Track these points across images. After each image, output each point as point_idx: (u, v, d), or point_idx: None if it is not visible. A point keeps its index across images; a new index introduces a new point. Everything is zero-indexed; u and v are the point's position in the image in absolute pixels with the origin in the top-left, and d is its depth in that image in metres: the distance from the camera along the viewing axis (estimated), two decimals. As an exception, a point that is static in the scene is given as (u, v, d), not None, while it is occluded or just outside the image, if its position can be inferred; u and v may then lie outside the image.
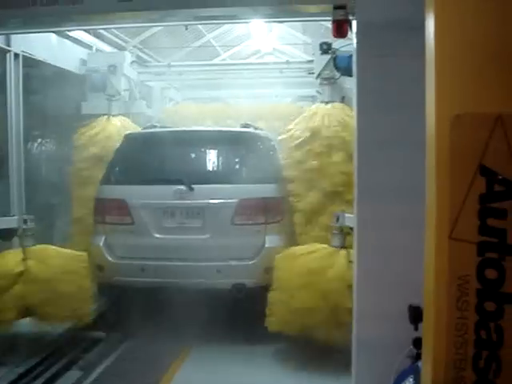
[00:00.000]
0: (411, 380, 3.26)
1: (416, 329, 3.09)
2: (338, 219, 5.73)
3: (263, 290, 5.90)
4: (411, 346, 3.27)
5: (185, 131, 7.60)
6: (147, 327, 6.19)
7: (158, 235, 6.59)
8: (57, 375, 5.54)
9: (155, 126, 7.91)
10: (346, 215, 5.54)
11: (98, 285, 6.70)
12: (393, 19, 4.15)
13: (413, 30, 3.90)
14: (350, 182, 6.58)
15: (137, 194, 6.70)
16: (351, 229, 5.25)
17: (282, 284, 5.82)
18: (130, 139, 7.34)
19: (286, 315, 5.66)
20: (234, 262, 6.39)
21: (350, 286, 4.86)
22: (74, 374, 5.60)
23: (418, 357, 3.24)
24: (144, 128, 7.96)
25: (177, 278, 6.24)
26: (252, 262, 6.42)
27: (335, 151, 6.86)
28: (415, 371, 3.21)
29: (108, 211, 6.81)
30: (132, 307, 6.20)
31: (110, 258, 6.68)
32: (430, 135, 2.00)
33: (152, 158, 6.96)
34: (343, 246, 5.72)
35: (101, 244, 6.73)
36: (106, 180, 6.99)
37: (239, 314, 6.16)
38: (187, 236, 6.54)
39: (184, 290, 6.07)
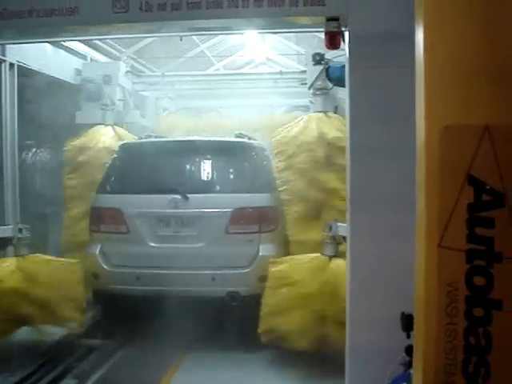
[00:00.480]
0: (404, 387, 3.29)
1: (408, 336, 3.13)
2: (330, 228, 5.77)
3: (257, 298, 5.93)
4: (404, 354, 3.30)
5: (180, 141, 7.64)
6: (142, 335, 6.20)
7: (153, 244, 6.62)
8: (53, 383, 5.54)
9: (150, 136, 7.95)
10: (339, 224, 5.58)
11: (93, 293, 6.74)
12: (384, 31, 4.22)
13: (404, 42, 3.96)
14: (335, 192, 6.75)
15: (132, 203, 6.73)
16: (344, 238, 5.30)
17: (275, 294, 5.87)
18: (125, 149, 7.40)
19: (278, 321, 5.71)
20: (228, 271, 6.43)
21: (342, 294, 4.90)
22: (68, 382, 5.59)
23: (410, 364, 3.26)
24: (139, 138, 7.99)
25: (172, 286, 6.27)
26: (246, 270, 6.46)
27: (320, 162, 6.96)
28: (408, 378, 3.23)
29: (104, 220, 6.84)
30: (127, 315, 6.22)
31: (105, 266, 6.69)
32: (420, 146, 2.05)
33: (147, 167, 7.00)
34: (336, 255, 5.76)
35: (96, 252, 6.75)
36: (102, 189, 7.03)
37: (233, 322, 6.17)
38: (182, 245, 6.56)
39: (179, 298, 6.10)
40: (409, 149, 2.73)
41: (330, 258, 5.76)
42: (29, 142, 8.26)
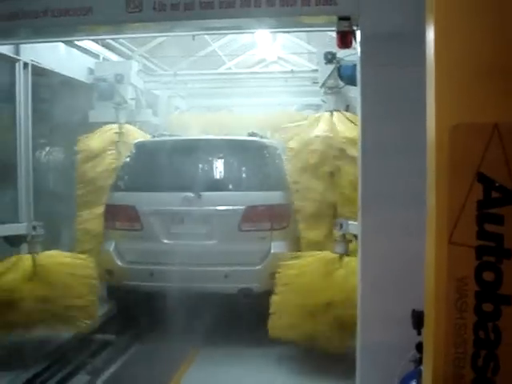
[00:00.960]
0: (414, 384, 3.31)
1: (419, 333, 3.14)
2: (341, 226, 5.79)
3: (268, 294, 5.98)
4: (414, 351, 3.32)
5: (193, 140, 7.72)
6: (155, 331, 6.27)
7: (166, 241, 6.73)
8: (65, 380, 5.58)
9: (164, 135, 8.02)
10: (349, 222, 5.61)
11: (107, 289, 6.84)
12: (395, 30, 4.24)
13: (415, 41, 3.98)
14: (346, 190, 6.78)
15: (146, 201, 6.83)
16: (354, 236, 5.33)
17: (285, 291, 5.90)
18: (139, 147, 7.49)
19: (287, 322, 5.75)
20: (240, 268, 6.52)
21: (352, 292, 4.93)
22: (81, 378, 5.64)
23: (421, 361, 3.29)
24: (153, 136, 8.07)
25: (184, 283, 6.33)
26: (258, 267, 6.55)
27: (330, 160, 6.98)
28: (418, 375, 3.25)
29: (118, 217, 6.95)
30: (140, 311, 6.28)
31: (119, 263, 6.81)
32: (430, 144, 2.08)
33: (161, 165, 7.07)
34: (346, 253, 5.79)
35: (111, 249, 6.87)
36: (116, 187, 7.15)
37: (245, 318, 6.22)
38: (195, 242, 6.66)
39: (191, 295, 6.17)
40: (420, 147, 2.75)
41: (341, 255, 5.80)
42: (42, 141, 8.33)
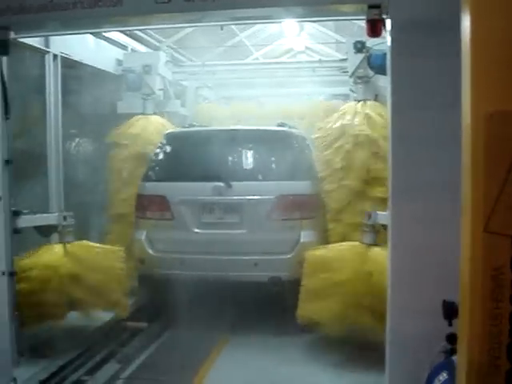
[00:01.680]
0: (445, 375, 3.28)
1: (450, 324, 3.13)
2: (369, 217, 5.77)
3: (298, 283, 6.02)
4: (445, 342, 3.30)
5: (223, 130, 7.78)
6: (185, 319, 6.34)
7: (197, 230, 6.82)
8: (95, 368, 5.67)
9: (193, 125, 8.06)
10: (378, 213, 5.58)
11: (138, 277, 6.94)
12: (427, 18, 4.18)
13: (446, 29, 3.94)
14: (376, 179, 6.72)
15: (177, 191, 6.92)
16: (383, 226, 5.30)
17: (313, 278, 5.91)
18: (170, 138, 7.58)
19: (316, 307, 5.76)
20: (270, 256, 6.57)
21: (381, 282, 4.91)
22: (112, 367, 5.71)
23: (451, 352, 3.27)
24: (183, 127, 8.11)
25: (215, 271, 6.42)
26: (288, 256, 6.59)
27: (362, 149, 6.92)
28: (449, 366, 3.24)
29: (149, 207, 7.06)
30: (171, 299, 6.36)
31: (150, 252, 6.93)
32: (466, 132, 2.06)
33: (191, 155, 7.17)
34: (374, 244, 5.77)
35: (142, 238, 6.99)
36: (148, 177, 7.23)
37: (274, 307, 6.26)
38: (225, 231, 6.75)
39: (221, 283, 6.23)
40: (451, 136, 2.73)
41: (369, 246, 5.78)
42: (72, 132, 8.41)
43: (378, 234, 5.76)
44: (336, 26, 11.95)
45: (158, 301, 6.96)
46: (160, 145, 7.51)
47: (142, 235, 7.01)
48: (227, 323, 6.22)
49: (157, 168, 7.34)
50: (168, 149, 7.43)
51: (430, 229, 4.17)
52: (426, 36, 4.17)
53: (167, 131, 7.92)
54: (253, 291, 6.27)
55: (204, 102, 11.63)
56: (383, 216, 5.23)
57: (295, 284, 6.03)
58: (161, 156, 7.42)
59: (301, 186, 6.86)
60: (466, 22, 2.06)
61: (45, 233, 6.25)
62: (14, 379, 5.18)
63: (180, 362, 5.86)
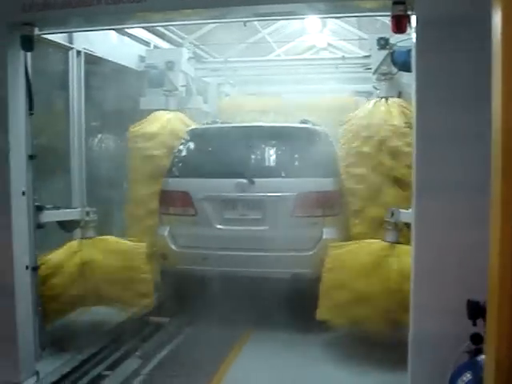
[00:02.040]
0: (468, 376, 3.26)
1: (474, 324, 3.10)
2: (392, 214, 5.73)
3: (319, 280, 6.00)
4: (469, 341, 3.27)
5: (246, 127, 7.78)
6: (207, 314, 6.36)
7: (219, 226, 6.85)
8: (117, 362, 5.71)
9: (216, 122, 8.07)
10: (401, 211, 5.54)
11: (161, 272, 6.98)
12: (452, 14, 4.13)
13: (472, 25, 3.90)
14: (399, 178, 6.67)
15: (200, 187, 6.94)
16: (406, 224, 5.26)
17: (334, 275, 5.88)
18: (193, 134, 7.61)
19: (336, 304, 5.74)
20: (292, 253, 6.57)
21: (404, 281, 4.87)
22: (133, 362, 5.75)
23: (475, 352, 3.24)
24: (206, 123, 8.13)
25: (237, 267, 6.45)
26: (310, 253, 6.59)
27: (385, 148, 6.86)
28: (473, 367, 3.21)
29: (172, 203, 7.10)
30: (193, 295, 6.38)
31: (173, 247, 6.98)
32: (496, 130, 2.03)
33: (214, 152, 7.20)
34: (397, 241, 5.73)
35: (165, 234, 7.03)
36: (171, 173, 7.26)
37: (296, 303, 6.24)
38: (248, 227, 6.77)
39: (244, 279, 6.24)
40: (478, 134, 2.69)
41: (392, 244, 5.74)
42: (95, 128, 8.46)
43: (400, 232, 5.71)
44: (359, 22, 11.88)
45: (179, 296, 6.98)
46: (183, 141, 7.54)
47: (165, 231, 7.05)
48: (249, 320, 6.22)
49: (180, 164, 7.35)
50: (191, 145, 7.47)
51: (454, 227, 4.13)
52: (452, 32, 4.12)
53: (190, 128, 7.94)
54: (274, 288, 6.26)
55: (227, 98, 11.57)
56: (406, 214, 5.19)
57: (317, 281, 6.01)
58: (184, 152, 7.44)
59: (323, 183, 6.84)
60: (496, 19, 2.03)
61: (68, 228, 6.31)
62: (37, 372, 5.24)
63: (201, 357, 5.87)
